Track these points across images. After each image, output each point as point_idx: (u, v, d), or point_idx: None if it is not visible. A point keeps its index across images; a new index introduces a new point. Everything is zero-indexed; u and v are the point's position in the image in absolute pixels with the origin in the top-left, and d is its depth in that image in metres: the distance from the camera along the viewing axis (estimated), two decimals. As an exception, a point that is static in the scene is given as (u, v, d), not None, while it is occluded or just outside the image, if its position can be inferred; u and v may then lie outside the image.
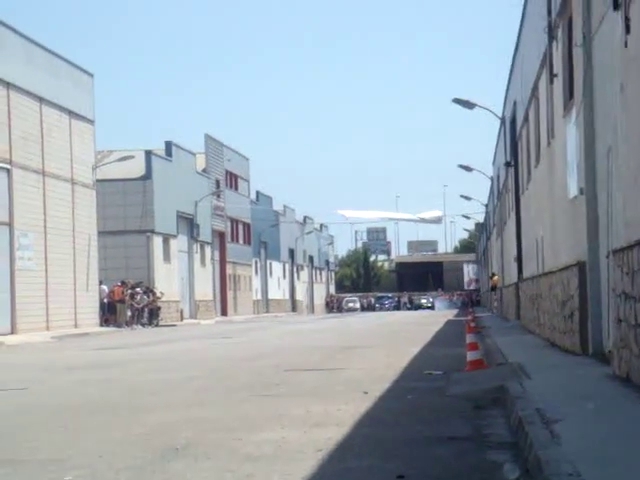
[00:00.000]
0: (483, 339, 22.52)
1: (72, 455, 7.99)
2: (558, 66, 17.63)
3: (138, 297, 50.87)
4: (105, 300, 49.03)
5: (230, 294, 77.45)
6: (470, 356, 15.09)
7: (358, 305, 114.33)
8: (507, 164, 35.31)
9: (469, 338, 15.51)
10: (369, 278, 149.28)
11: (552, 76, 18.11)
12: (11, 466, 7.57)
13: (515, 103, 30.58)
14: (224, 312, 74.87)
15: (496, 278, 53.18)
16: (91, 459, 7.78)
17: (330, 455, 7.70)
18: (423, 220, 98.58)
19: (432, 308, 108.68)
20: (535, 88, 22.38)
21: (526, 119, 25.94)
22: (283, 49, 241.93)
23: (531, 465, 6.68)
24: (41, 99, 42.27)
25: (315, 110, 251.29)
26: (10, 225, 39.20)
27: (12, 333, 37.98)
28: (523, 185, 29.15)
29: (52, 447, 8.50)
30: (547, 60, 18.61)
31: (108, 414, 10.90)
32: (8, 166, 39.03)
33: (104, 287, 49.28)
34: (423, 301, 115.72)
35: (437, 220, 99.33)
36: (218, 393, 12.90)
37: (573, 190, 15.91)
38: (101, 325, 47.30)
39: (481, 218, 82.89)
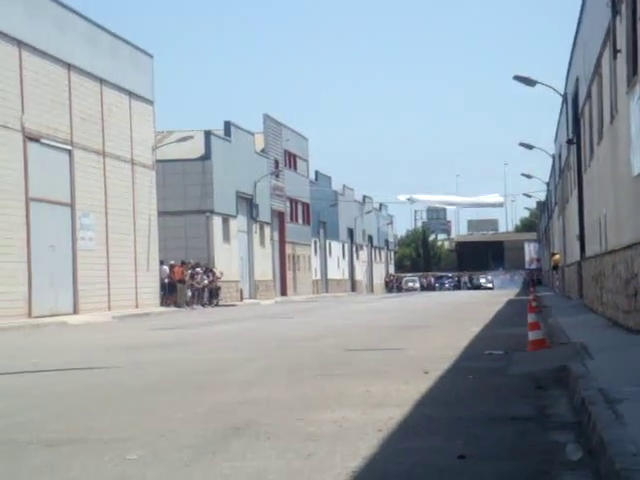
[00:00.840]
0: (545, 319, 22.34)
1: (135, 434, 8.05)
2: (622, 41, 17.34)
3: (198, 277, 51.21)
4: (165, 280, 49.40)
5: (289, 274, 77.66)
6: (532, 336, 14.96)
7: (418, 285, 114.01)
8: (569, 141, 34.90)
9: (530, 317, 15.38)
10: (429, 258, 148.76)
11: (615, 52, 17.82)
12: (76, 445, 7.65)
13: (577, 79, 30.20)
14: (283, 292, 75.11)
15: (557, 257, 52.71)
16: (154, 438, 7.83)
17: (391, 435, 7.67)
18: (483, 204, 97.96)
19: (492, 288, 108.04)
20: (598, 64, 22.05)
21: (589, 96, 25.60)
22: (341, 28, 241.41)
23: (594, 445, 6.60)
24: (101, 80, 42.60)
25: (374, 89, 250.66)
26: (72, 206, 39.62)
27: (74, 313, 38.45)
28: (585, 163, 28.79)
29: (116, 426, 8.58)
30: (610, 35, 18.32)
31: (170, 393, 10.97)
32: (69, 147, 39.43)
33: (165, 267, 49.64)
34: (482, 280, 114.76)
35: (497, 205, 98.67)
36: (279, 373, 12.92)
37: (637, 167, 15.66)
38: (161, 305, 47.68)
39: (542, 196, 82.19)
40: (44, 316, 35.16)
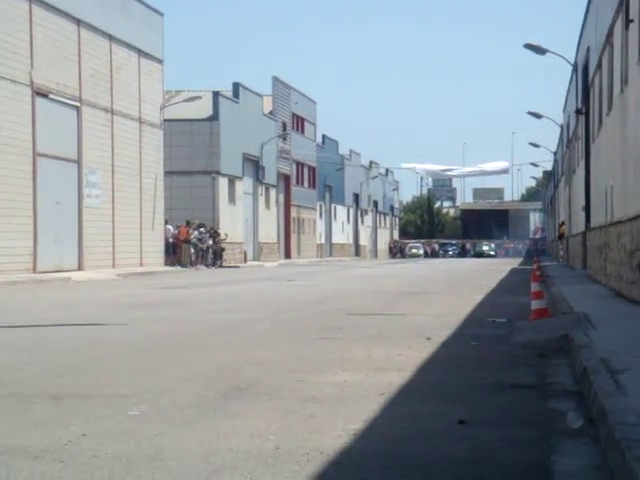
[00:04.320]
0: (548, 288, 22.36)
1: (137, 391, 8.09)
2: (634, 11, 17.23)
3: (203, 237, 51.24)
4: (170, 240, 49.43)
5: (294, 237, 77.71)
6: (535, 304, 14.98)
7: (422, 251, 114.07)
8: (578, 111, 34.78)
9: (534, 286, 15.39)
10: (433, 225, 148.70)
11: (628, 22, 17.72)
12: (79, 399, 7.69)
13: (588, 49, 30.04)
14: (287, 255, 75.18)
15: (564, 227, 52.68)
16: (156, 396, 7.87)
17: (392, 399, 7.70)
18: (488, 172, 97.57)
19: (494, 255, 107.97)
20: (609, 34, 21.93)
21: (599, 66, 25.47)
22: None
23: (595, 414, 6.62)
24: (111, 37, 42.43)
25: (383, 55, 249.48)
26: (78, 163, 39.60)
27: (79, 269, 38.55)
28: (594, 133, 28.70)
29: (117, 383, 8.61)
30: (623, 5, 18.21)
31: (172, 352, 11.02)
32: (77, 104, 39.35)
33: (170, 227, 49.67)
34: (485, 248, 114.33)
35: (503, 171, 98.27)
36: (281, 335, 12.96)
37: (645, 139, 15.61)
38: (166, 264, 47.75)
39: (549, 166, 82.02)
40: (48, 271, 35.27)
